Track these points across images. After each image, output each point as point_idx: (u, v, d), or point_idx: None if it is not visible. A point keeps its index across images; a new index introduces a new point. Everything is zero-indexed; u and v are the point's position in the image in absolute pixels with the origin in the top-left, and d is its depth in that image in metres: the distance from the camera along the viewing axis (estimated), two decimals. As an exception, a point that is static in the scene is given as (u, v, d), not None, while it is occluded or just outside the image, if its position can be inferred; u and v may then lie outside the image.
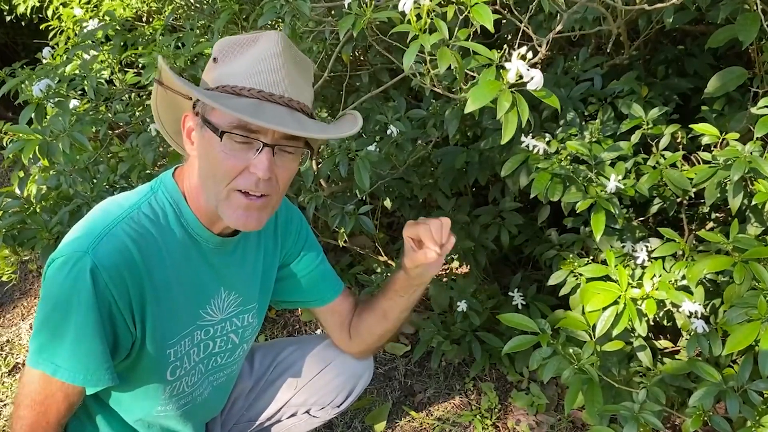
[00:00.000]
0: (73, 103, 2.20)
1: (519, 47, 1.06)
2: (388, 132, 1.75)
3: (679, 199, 1.86)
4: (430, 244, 1.28)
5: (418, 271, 1.39)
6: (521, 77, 0.97)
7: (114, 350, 1.16)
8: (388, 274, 2.30)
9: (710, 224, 2.14)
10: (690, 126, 1.64)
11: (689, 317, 1.47)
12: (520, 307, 2.12)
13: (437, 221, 1.30)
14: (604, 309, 1.47)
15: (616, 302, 1.46)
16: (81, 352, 1.11)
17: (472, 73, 1.12)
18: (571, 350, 1.41)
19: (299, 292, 1.55)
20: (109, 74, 2.64)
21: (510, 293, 2.15)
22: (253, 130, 1.09)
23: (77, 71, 2.04)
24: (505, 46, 1.00)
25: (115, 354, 1.16)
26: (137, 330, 1.18)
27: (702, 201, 2.03)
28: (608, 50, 2.05)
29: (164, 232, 1.19)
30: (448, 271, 2.76)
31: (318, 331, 2.55)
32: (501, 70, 1.00)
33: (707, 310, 1.59)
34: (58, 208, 1.91)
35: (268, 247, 1.44)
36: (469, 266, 2.50)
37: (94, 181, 2.25)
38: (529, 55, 0.98)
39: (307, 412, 1.72)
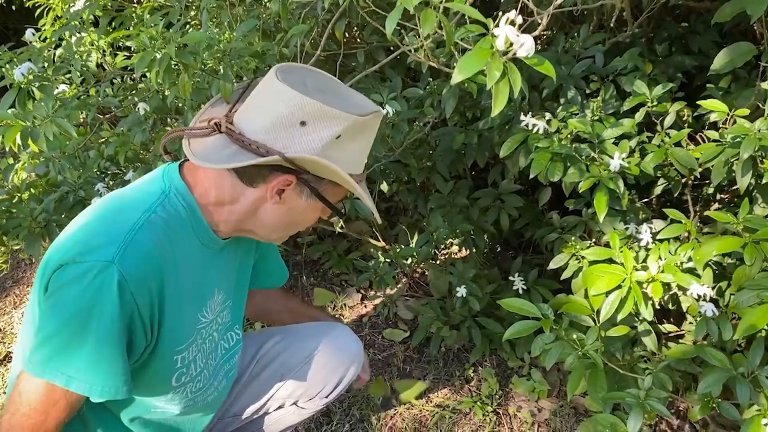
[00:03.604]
0: (62, 87, 2.14)
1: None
2: (384, 111, 1.69)
3: (684, 180, 1.82)
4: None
5: None
6: (511, 45, 0.91)
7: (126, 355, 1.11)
8: (387, 261, 2.26)
9: (715, 205, 2.10)
10: (698, 103, 1.58)
11: (697, 300, 1.42)
12: (521, 291, 2.07)
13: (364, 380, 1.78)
14: (609, 293, 1.42)
15: (620, 286, 1.41)
16: (101, 364, 1.05)
17: (468, 46, 1.05)
18: (575, 336, 1.36)
19: (269, 273, 1.60)
20: (100, 57, 2.58)
21: (511, 278, 2.10)
22: None
23: (62, 54, 1.98)
24: (499, 13, 0.94)
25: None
26: (152, 336, 1.14)
27: (707, 182, 1.98)
28: (611, 26, 1.99)
29: (177, 238, 1.14)
30: (447, 256, 2.72)
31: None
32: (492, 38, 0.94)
33: (713, 292, 1.54)
34: (45, 195, 1.86)
35: (248, 240, 1.40)
36: (468, 250, 2.45)
37: (84, 166, 2.19)
38: (519, 20, 0.92)
39: (295, 403, 1.68)
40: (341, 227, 2.06)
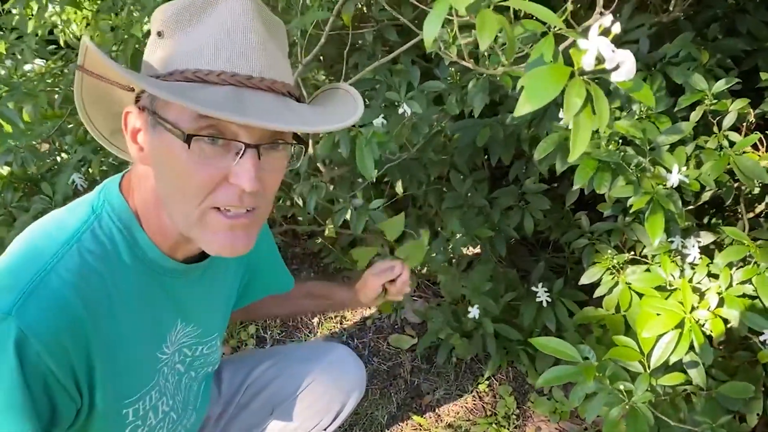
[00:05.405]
0: (29, 66, 1.91)
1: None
2: (400, 111, 1.43)
3: (736, 185, 1.59)
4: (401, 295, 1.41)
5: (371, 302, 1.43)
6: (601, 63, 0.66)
7: (51, 423, 0.86)
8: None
9: (761, 206, 1.88)
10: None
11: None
12: (545, 303, 1.86)
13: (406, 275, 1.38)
14: (663, 334, 1.20)
15: (679, 326, 1.19)
16: None
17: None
18: (621, 386, 1.15)
19: (268, 283, 1.34)
20: (82, 29, 2.35)
21: (533, 288, 1.88)
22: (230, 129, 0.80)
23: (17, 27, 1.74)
24: (565, 7, 0.70)
25: (53, 426, 0.88)
26: (83, 397, 0.90)
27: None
28: (653, 5, 1.74)
29: (114, 270, 0.89)
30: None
31: (317, 337, 2.30)
32: (573, 49, 0.68)
33: None
34: (6, 189, 1.64)
35: (237, 261, 1.17)
36: (479, 246, 2.23)
37: (62, 155, 1.97)
38: (615, 28, 0.66)
39: None
40: (335, 232, 1.83)
